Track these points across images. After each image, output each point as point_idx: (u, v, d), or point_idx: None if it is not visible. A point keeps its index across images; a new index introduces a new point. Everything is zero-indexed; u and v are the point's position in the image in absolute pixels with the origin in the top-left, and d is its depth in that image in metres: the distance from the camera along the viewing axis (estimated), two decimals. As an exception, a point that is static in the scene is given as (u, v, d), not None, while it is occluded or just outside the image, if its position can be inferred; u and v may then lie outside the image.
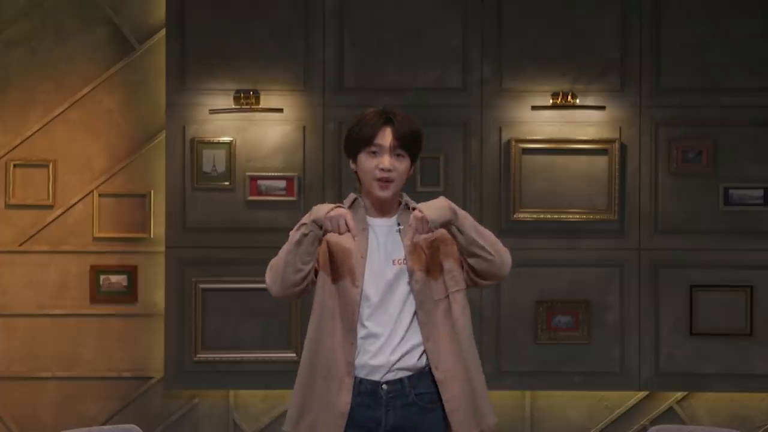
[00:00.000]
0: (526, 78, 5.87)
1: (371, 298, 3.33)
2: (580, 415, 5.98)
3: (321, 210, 3.27)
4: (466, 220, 3.30)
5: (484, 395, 3.39)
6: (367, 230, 3.38)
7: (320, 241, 3.29)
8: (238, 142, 5.84)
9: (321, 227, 3.25)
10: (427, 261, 3.36)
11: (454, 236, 3.29)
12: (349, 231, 3.24)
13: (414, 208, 3.29)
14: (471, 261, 3.32)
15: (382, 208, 3.41)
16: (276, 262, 3.33)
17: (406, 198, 3.45)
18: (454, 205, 3.29)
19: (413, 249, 3.36)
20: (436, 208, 3.26)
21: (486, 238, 3.32)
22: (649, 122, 5.86)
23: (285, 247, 3.31)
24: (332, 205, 3.29)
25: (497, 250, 3.34)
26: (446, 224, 3.26)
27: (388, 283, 3.34)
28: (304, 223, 3.27)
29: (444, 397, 3.35)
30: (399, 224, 3.39)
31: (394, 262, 3.35)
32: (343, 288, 3.34)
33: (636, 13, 5.86)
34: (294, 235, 3.29)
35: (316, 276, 3.37)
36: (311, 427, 3.35)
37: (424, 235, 3.32)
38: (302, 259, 3.27)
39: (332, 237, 3.34)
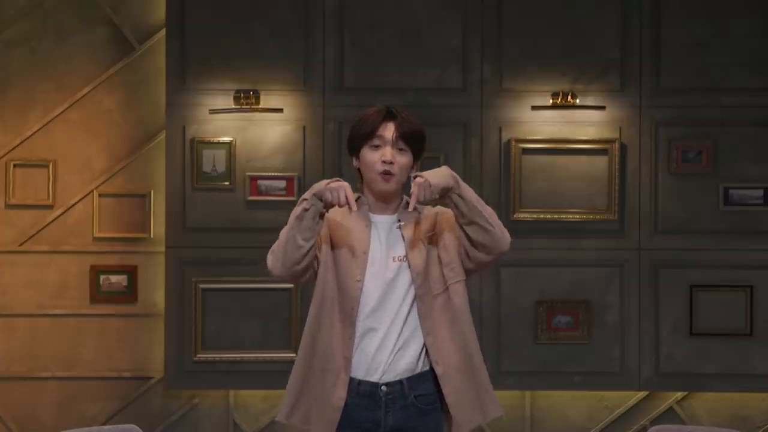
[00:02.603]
0: (526, 78, 5.87)
1: (371, 294, 3.34)
2: (580, 415, 5.98)
3: (321, 183, 3.29)
4: (468, 188, 3.32)
5: (487, 386, 3.40)
6: (370, 227, 3.38)
7: (322, 215, 3.30)
8: (238, 142, 5.84)
9: (321, 200, 3.27)
10: (426, 255, 3.37)
11: (455, 205, 3.30)
12: (348, 203, 3.24)
13: (416, 176, 3.30)
14: (470, 230, 3.33)
15: (385, 205, 3.42)
16: (277, 244, 3.34)
17: (407, 197, 3.45)
18: (455, 174, 3.31)
19: (413, 243, 3.37)
20: (438, 174, 3.28)
21: (486, 209, 3.35)
22: (649, 122, 5.86)
23: (286, 227, 3.32)
24: (332, 179, 3.30)
25: (497, 223, 3.36)
26: (447, 190, 3.28)
27: (388, 281, 3.35)
28: (305, 198, 3.28)
29: (445, 391, 3.35)
30: (399, 221, 3.40)
31: (394, 258, 3.36)
32: (344, 282, 3.35)
33: (636, 13, 5.86)
34: (295, 210, 3.31)
35: (318, 266, 3.38)
36: (305, 419, 3.36)
37: (425, 221, 3.32)
38: (303, 234, 3.28)
39: (332, 215, 3.35)
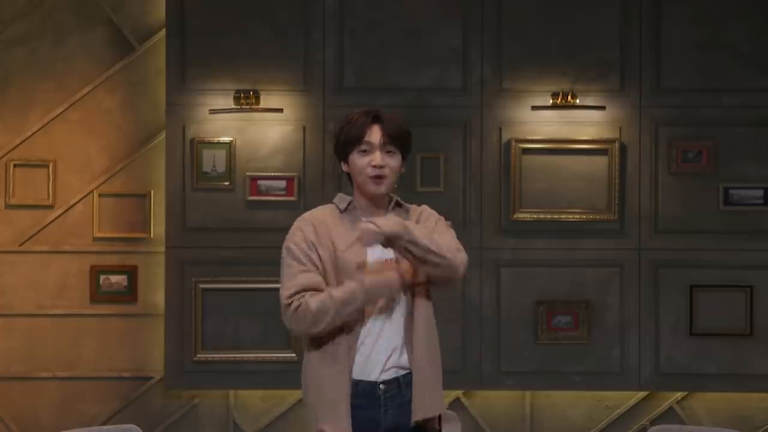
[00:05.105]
0: (526, 78, 5.87)
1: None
2: (580, 415, 5.98)
3: (375, 288, 3.30)
4: (419, 234, 3.30)
5: (438, 383, 3.43)
6: None
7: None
8: (238, 142, 5.84)
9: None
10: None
11: (408, 250, 3.29)
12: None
13: (368, 221, 3.31)
14: (424, 269, 3.34)
15: (375, 208, 3.44)
16: (303, 310, 3.31)
17: (396, 198, 3.49)
18: (407, 224, 3.30)
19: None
20: (390, 223, 3.27)
21: (436, 243, 3.32)
22: (649, 122, 5.86)
23: (322, 302, 3.30)
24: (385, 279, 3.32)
25: (449, 254, 3.34)
26: (396, 238, 3.26)
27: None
28: (356, 295, 3.29)
29: (414, 388, 3.38)
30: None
31: (386, 261, 3.38)
32: None
33: (636, 13, 5.86)
34: (344, 298, 3.29)
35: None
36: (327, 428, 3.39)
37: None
38: (340, 320, 3.32)
39: (342, 252, 3.36)
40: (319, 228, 3.39)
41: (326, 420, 3.35)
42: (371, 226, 3.24)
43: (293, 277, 3.35)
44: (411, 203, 3.56)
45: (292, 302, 3.33)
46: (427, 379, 3.38)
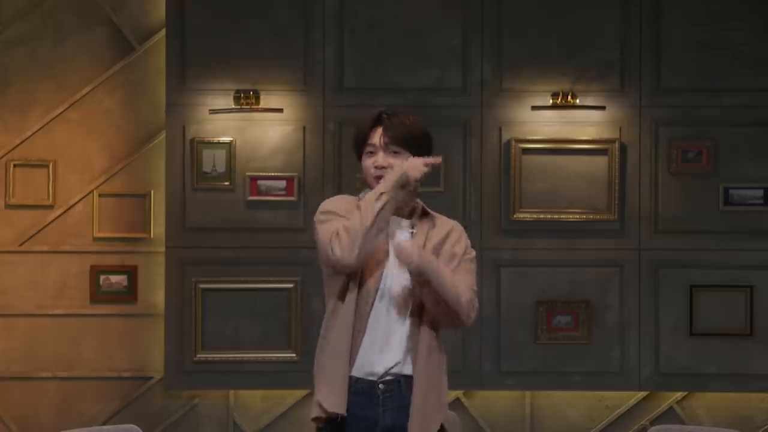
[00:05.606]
0: (526, 78, 5.87)
1: (381, 299, 3.35)
2: (580, 415, 5.98)
3: (393, 177, 3.27)
4: (432, 264, 3.29)
5: (439, 398, 3.39)
6: (386, 234, 3.38)
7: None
8: (238, 142, 5.84)
9: (403, 186, 3.27)
10: None
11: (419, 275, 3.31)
12: (433, 163, 3.30)
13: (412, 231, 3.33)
14: (426, 298, 3.32)
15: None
16: (347, 236, 3.26)
17: (422, 204, 3.46)
18: (426, 262, 3.29)
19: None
20: (415, 256, 3.27)
21: (447, 287, 3.31)
22: (649, 122, 5.86)
23: (358, 219, 3.26)
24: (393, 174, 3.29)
25: (463, 304, 3.34)
26: (419, 271, 3.28)
27: (395, 287, 3.35)
28: (383, 192, 3.26)
29: (412, 398, 3.35)
30: (412, 228, 3.39)
31: (400, 264, 3.36)
32: (361, 289, 3.35)
33: (636, 13, 5.87)
34: (373, 205, 3.25)
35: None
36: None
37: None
38: (381, 228, 3.28)
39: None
40: (346, 207, 3.39)
41: (322, 384, 3.35)
42: (404, 248, 3.26)
43: (332, 225, 3.32)
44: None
45: (332, 236, 3.29)
46: (427, 397, 3.35)
